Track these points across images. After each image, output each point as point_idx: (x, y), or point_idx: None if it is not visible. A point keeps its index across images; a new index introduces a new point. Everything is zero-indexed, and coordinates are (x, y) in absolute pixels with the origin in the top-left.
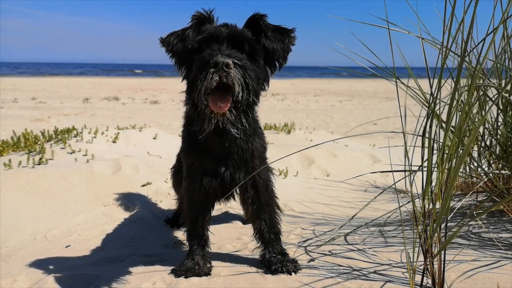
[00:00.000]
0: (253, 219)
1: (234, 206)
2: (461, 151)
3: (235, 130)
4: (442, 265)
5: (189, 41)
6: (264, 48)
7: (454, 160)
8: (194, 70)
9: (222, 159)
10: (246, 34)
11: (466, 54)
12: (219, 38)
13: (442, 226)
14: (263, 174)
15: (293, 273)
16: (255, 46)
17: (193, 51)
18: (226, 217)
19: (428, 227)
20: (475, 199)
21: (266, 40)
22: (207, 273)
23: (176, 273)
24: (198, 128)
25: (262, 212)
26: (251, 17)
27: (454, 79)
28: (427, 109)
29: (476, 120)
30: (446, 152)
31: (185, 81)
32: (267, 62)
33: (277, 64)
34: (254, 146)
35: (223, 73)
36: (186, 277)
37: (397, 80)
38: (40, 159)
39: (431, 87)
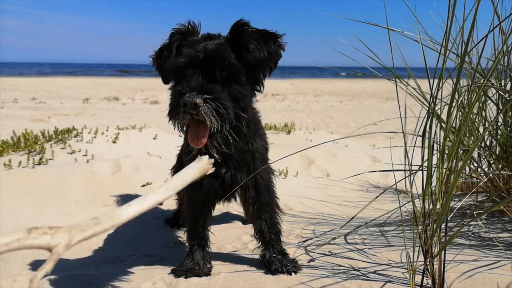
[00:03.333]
0: (254, 219)
1: (235, 206)
2: (461, 151)
3: (218, 155)
4: (442, 265)
5: (166, 67)
6: (248, 62)
7: (454, 160)
8: (169, 103)
9: (223, 160)
10: (222, 55)
11: (470, 49)
12: (194, 65)
13: (442, 226)
14: (265, 174)
15: (293, 273)
16: (232, 65)
17: (171, 77)
18: (226, 217)
19: (428, 228)
20: (475, 199)
21: (248, 54)
22: (207, 273)
23: (176, 273)
24: (188, 149)
25: (263, 212)
26: (234, 25)
27: (454, 80)
28: (427, 109)
29: (477, 120)
30: (446, 152)
31: None
32: (253, 71)
33: (267, 71)
34: (254, 147)
35: (193, 111)
36: (186, 277)
37: (397, 80)
38: (40, 159)
39: (430, 87)
